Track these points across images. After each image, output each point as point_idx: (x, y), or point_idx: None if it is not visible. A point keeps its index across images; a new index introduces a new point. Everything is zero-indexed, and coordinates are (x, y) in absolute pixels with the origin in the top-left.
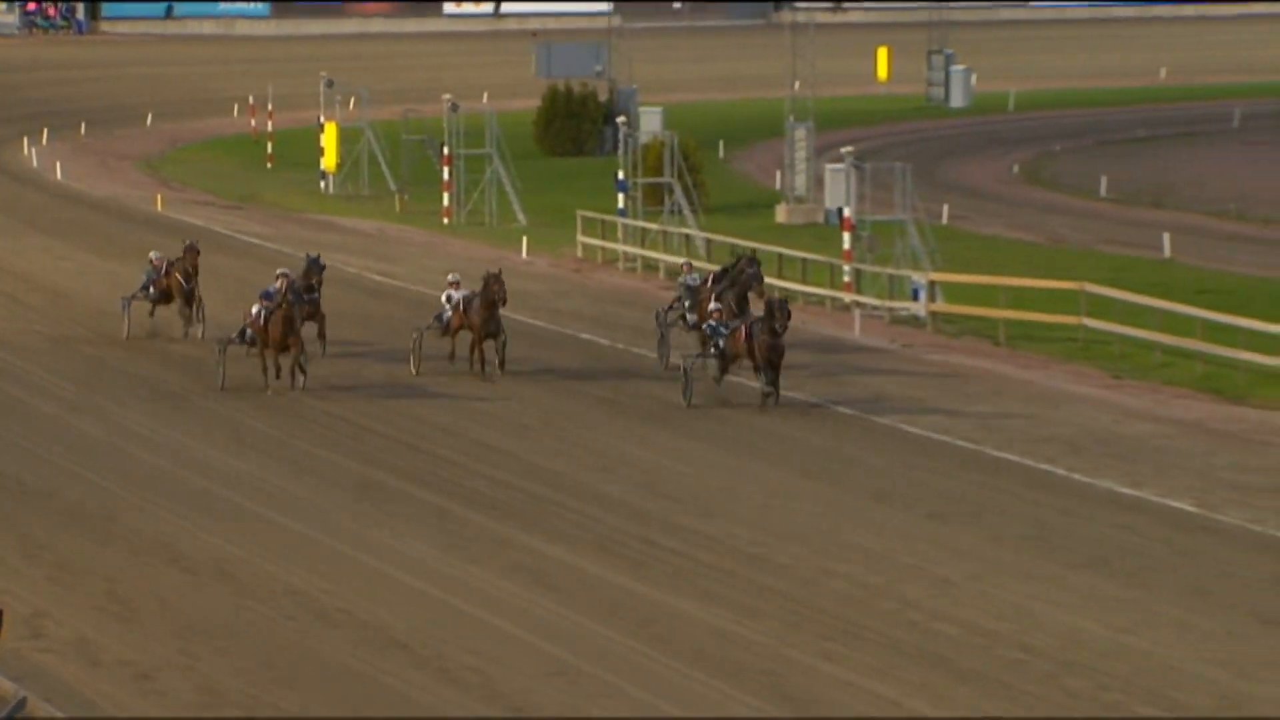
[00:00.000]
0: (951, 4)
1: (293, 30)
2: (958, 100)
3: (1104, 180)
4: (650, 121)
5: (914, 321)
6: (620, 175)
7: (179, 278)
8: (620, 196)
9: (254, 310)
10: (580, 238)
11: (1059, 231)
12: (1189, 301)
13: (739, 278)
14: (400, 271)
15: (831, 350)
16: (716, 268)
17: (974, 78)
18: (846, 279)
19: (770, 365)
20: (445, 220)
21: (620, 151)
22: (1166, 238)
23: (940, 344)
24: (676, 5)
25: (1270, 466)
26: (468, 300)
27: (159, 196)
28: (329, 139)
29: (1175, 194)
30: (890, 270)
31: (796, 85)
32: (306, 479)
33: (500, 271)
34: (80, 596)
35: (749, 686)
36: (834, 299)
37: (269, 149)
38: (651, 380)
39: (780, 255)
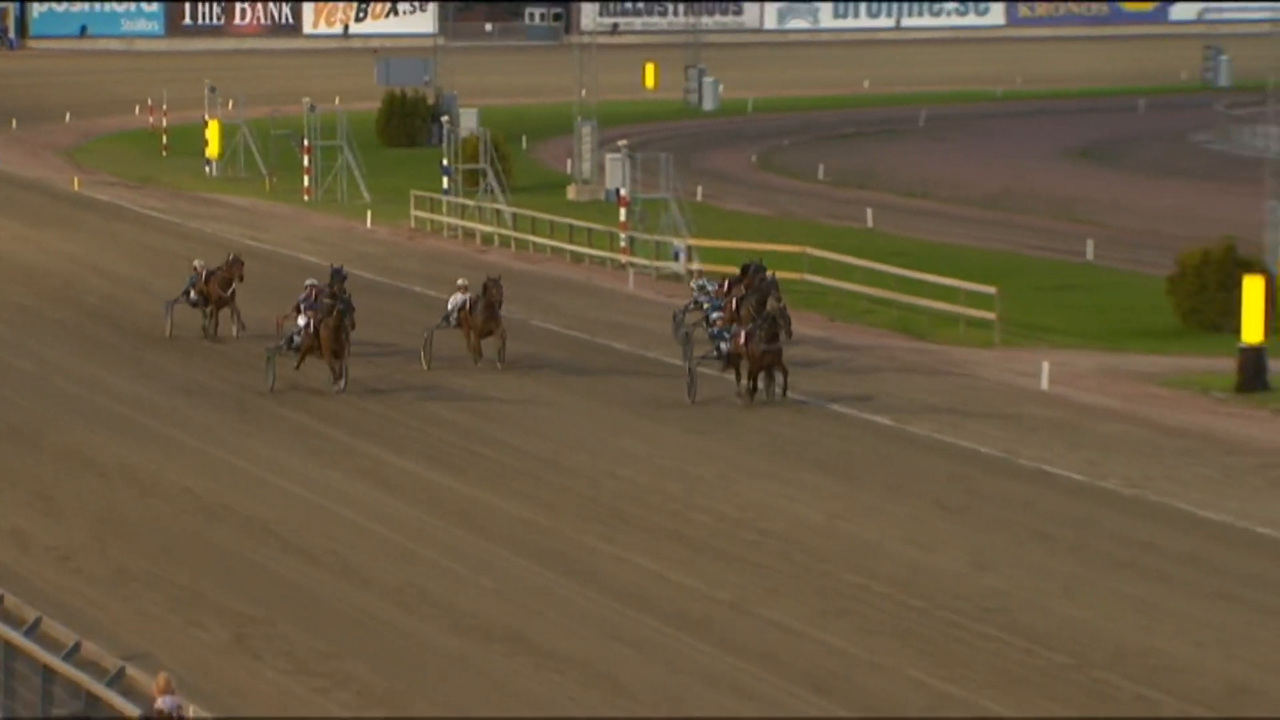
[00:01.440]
0: (704, 30)
1: (182, 47)
2: (708, 104)
3: (821, 167)
4: (468, 120)
5: (675, 277)
6: (445, 162)
7: (218, 286)
8: (445, 179)
9: (301, 321)
10: (413, 211)
11: (786, 207)
12: (887, 261)
13: (760, 285)
14: (269, 238)
15: (608, 299)
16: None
17: (721, 87)
18: (623, 244)
19: (764, 367)
20: (305, 197)
21: (444, 144)
22: (869, 212)
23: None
24: (488, 28)
25: (948, 390)
26: (473, 302)
27: (75, 178)
28: (212, 133)
29: (876, 178)
30: (656, 237)
31: (583, 92)
32: (196, 401)
33: (500, 277)
34: (14, 496)
35: (547, 563)
36: (613, 260)
37: (164, 140)
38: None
39: (571, 226)
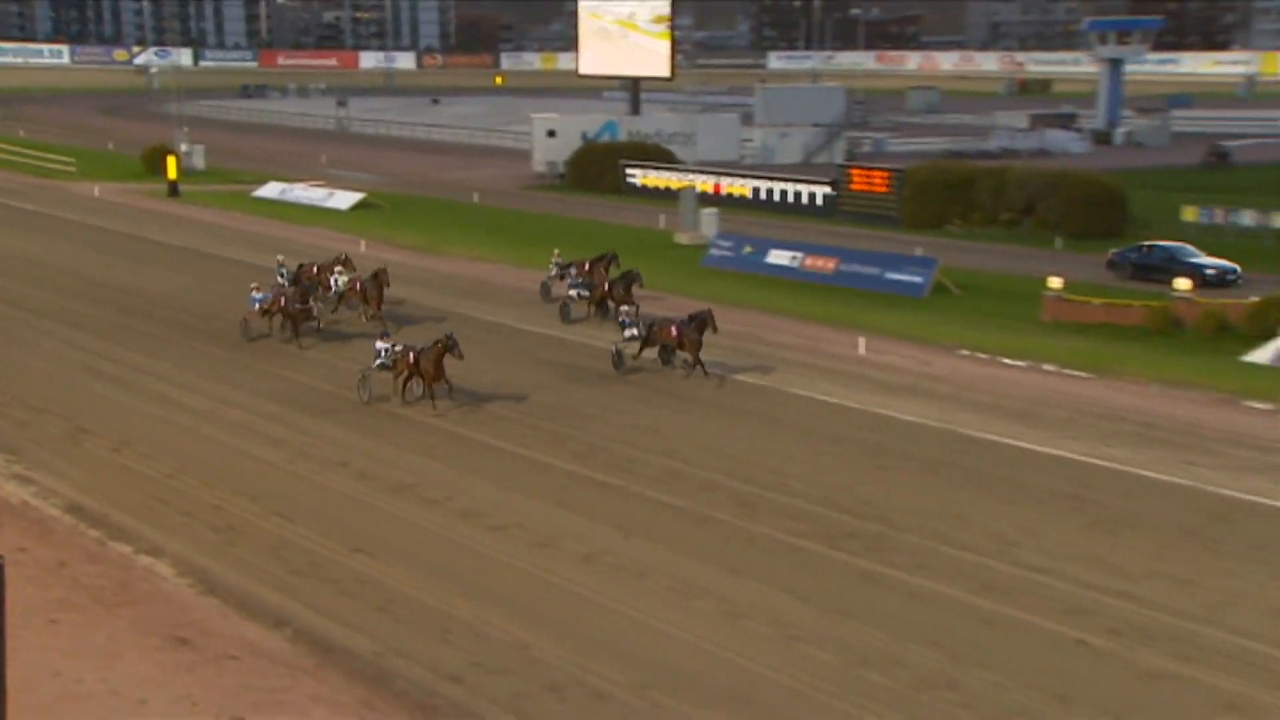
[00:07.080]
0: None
1: None
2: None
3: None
4: None
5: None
6: None
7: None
8: None
9: (378, 346)
10: None
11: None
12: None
13: (626, 275)
14: None
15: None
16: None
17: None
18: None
19: (694, 352)
20: None
21: None
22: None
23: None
24: None
25: (44, 196)
26: (363, 282)
27: None
28: None
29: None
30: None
31: None
32: None
33: (386, 268)
34: None
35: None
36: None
37: None
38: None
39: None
